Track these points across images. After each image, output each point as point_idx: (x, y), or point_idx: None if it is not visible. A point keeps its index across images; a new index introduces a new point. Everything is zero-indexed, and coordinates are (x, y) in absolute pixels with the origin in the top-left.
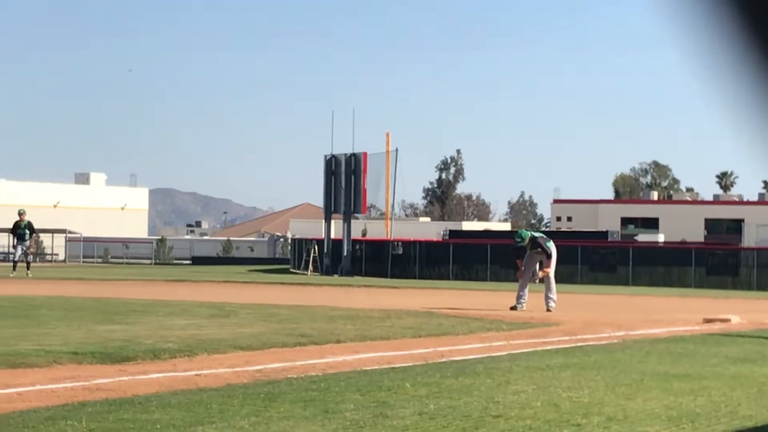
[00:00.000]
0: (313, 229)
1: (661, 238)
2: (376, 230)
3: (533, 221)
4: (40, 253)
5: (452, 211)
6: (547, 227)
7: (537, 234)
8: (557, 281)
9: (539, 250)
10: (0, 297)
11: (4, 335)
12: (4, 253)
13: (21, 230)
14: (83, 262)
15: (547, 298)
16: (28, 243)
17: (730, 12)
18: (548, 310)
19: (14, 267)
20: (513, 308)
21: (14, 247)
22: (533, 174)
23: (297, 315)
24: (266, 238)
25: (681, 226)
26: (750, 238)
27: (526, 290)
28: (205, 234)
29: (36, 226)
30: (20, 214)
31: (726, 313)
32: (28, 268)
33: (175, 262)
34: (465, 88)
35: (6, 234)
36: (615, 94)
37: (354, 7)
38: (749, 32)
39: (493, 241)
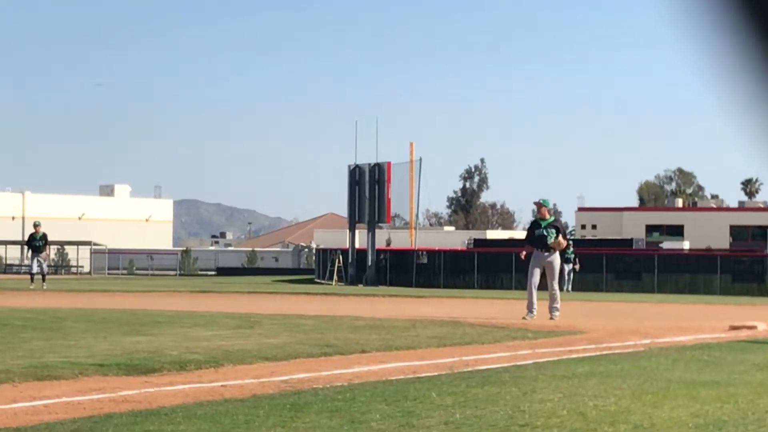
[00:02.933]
0: (338, 239)
1: (686, 245)
2: (401, 240)
3: None
4: (65, 266)
5: (476, 220)
6: (571, 235)
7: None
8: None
9: (552, 238)
10: (26, 309)
11: (30, 347)
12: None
13: (36, 242)
14: (108, 273)
15: (551, 308)
16: (43, 255)
17: (752, 14)
18: (552, 318)
19: (32, 279)
20: (525, 318)
21: (29, 259)
22: (557, 182)
23: (322, 325)
24: (291, 249)
25: (706, 234)
26: None
27: (535, 297)
28: (230, 245)
29: (61, 238)
30: (35, 226)
31: (752, 321)
32: (43, 280)
33: (200, 273)
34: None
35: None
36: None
37: (377, 18)
38: None
39: (518, 249)
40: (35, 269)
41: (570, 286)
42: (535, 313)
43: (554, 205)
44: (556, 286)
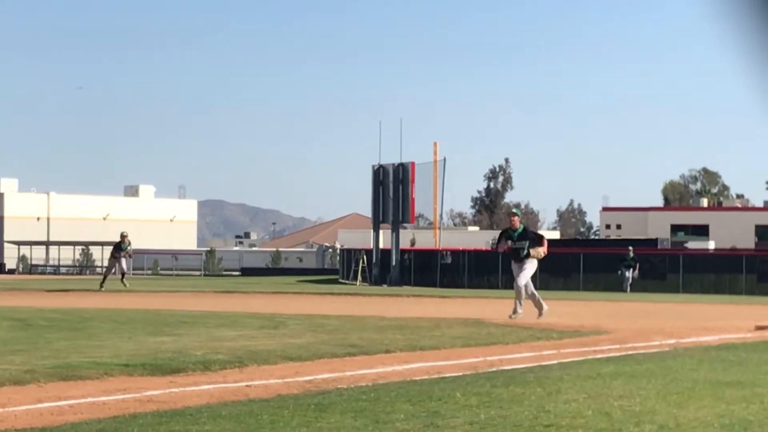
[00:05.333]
0: (362, 239)
1: (711, 245)
2: (425, 240)
3: (582, 229)
4: (89, 266)
5: (501, 220)
6: (596, 235)
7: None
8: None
9: (525, 251)
10: (51, 309)
11: (56, 347)
12: (54, 266)
13: (122, 251)
14: (133, 274)
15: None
16: (124, 260)
17: None
18: (512, 317)
19: (103, 281)
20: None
21: (111, 261)
22: (582, 182)
23: (346, 325)
24: (315, 249)
25: (731, 233)
26: None
27: (523, 298)
28: (254, 245)
29: (86, 238)
30: (123, 236)
31: None
32: (122, 278)
33: (225, 273)
34: (513, 96)
35: (56, 247)
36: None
37: (401, 19)
38: None
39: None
40: (115, 270)
41: (629, 289)
42: (519, 314)
43: (578, 205)
44: (521, 283)
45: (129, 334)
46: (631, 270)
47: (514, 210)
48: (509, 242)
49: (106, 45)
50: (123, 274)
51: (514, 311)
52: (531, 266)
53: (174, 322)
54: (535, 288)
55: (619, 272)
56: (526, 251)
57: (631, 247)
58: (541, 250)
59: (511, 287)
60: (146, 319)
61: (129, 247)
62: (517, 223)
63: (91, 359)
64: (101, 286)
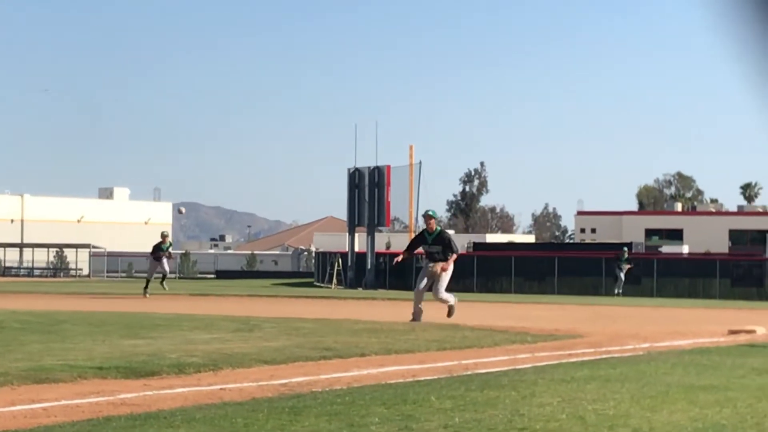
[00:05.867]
0: (337, 242)
1: (685, 249)
2: (400, 243)
3: (557, 233)
4: (64, 268)
5: (476, 224)
6: (571, 239)
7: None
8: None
9: (438, 251)
10: (24, 311)
11: (30, 350)
12: (28, 268)
13: (162, 252)
14: (107, 276)
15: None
16: (165, 261)
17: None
18: (449, 316)
19: (147, 286)
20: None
21: (151, 263)
22: (557, 186)
23: (321, 328)
24: (290, 252)
25: (705, 238)
26: None
27: (421, 301)
28: (229, 248)
29: (60, 240)
30: (164, 236)
31: (751, 325)
32: (163, 280)
33: (199, 276)
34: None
35: (30, 249)
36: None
37: (376, 21)
38: None
39: (517, 253)
40: (160, 272)
41: (620, 291)
42: (420, 319)
43: (553, 209)
44: (440, 296)
45: (103, 336)
46: (623, 272)
47: (429, 212)
48: (423, 247)
49: (80, 46)
50: (164, 276)
51: (418, 315)
52: (447, 276)
53: (148, 325)
54: (512, 291)
55: (616, 273)
56: (441, 255)
57: (626, 248)
58: (448, 266)
59: (487, 291)
60: (120, 321)
61: (170, 248)
62: (434, 225)
63: (64, 362)
64: (145, 292)
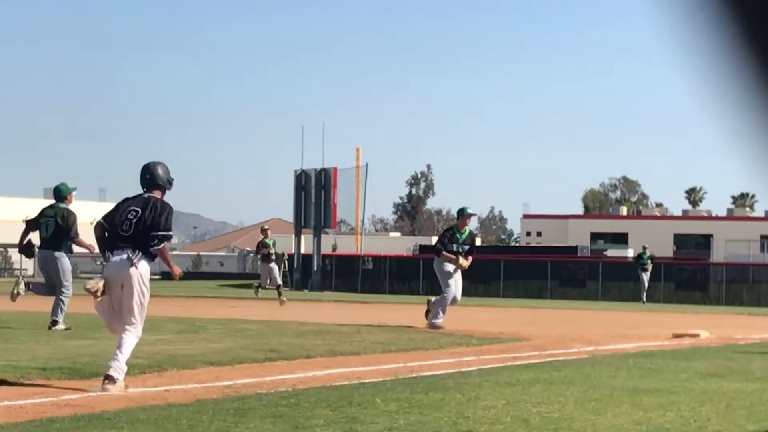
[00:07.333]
0: (283, 244)
1: (630, 253)
2: (347, 245)
3: (503, 236)
4: (8, 269)
5: (422, 226)
6: (516, 242)
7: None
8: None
9: (464, 251)
10: None
11: None
12: None
13: (269, 249)
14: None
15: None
16: (275, 266)
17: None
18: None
19: (257, 290)
20: (436, 327)
21: (262, 266)
22: (503, 189)
23: (267, 330)
24: (236, 253)
25: (650, 241)
26: (719, 254)
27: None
28: (174, 249)
29: (4, 241)
30: (264, 230)
31: (695, 329)
32: (279, 292)
33: None
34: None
35: None
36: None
37: (324, 23)
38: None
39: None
40: (268, 282)
41: (645, 296)
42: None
43: (499, 212)
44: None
45: (47, 337)
46: (648, 273)
47: (469, 209)
48: (454, 246)
49: (25, 42)
50: (278, 287)
51: (439, 321)
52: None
53: (93, 326)
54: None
55: (639, 276)
56: (464, 254)
57: (646, 245)
58: (468, 265)
59: (433, 293)
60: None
61: (275, 245)
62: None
63: (8, 362)
64: (256, 292)
